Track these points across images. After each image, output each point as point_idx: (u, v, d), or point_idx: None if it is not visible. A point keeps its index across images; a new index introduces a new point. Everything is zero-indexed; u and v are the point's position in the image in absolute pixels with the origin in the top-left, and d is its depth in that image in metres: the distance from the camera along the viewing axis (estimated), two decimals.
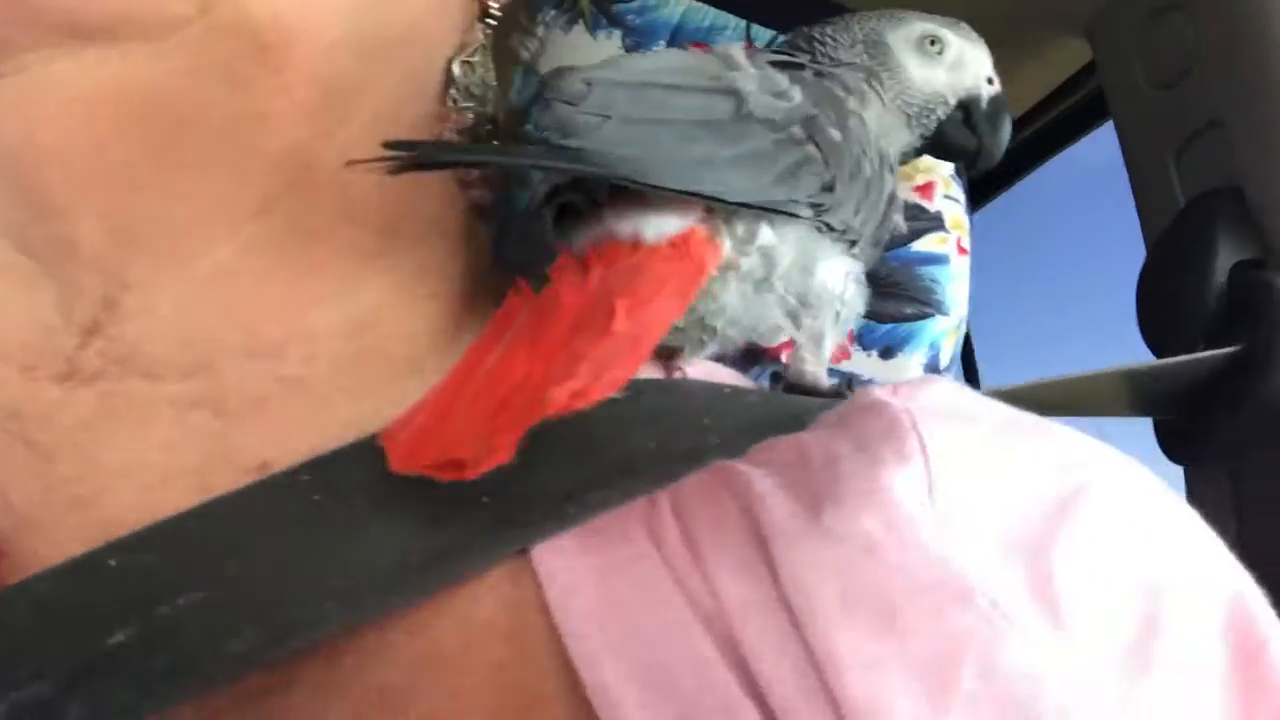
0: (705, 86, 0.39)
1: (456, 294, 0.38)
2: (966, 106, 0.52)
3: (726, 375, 0.44)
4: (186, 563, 0.30)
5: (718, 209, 0.39)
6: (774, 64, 0.44)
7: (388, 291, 0.37)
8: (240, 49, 0.28)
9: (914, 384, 0.34)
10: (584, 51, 0.66)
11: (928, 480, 0.29)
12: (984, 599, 0.26)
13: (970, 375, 1.66)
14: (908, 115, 0.50)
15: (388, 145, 0.28)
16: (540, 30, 0.67)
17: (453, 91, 0.38)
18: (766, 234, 0.39)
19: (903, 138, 0.51)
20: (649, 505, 0.32)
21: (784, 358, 0.62)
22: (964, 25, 0.53)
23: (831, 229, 0.41)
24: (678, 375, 0.42)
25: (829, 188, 0.40)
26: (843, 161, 0.41)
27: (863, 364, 0.62)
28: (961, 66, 0.52)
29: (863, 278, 0.46)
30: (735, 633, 0.27)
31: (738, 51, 0.42)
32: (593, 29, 0.67)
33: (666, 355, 0.44)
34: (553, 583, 0.30)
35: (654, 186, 0.34)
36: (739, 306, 0.41)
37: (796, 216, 0.39)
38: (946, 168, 0.65)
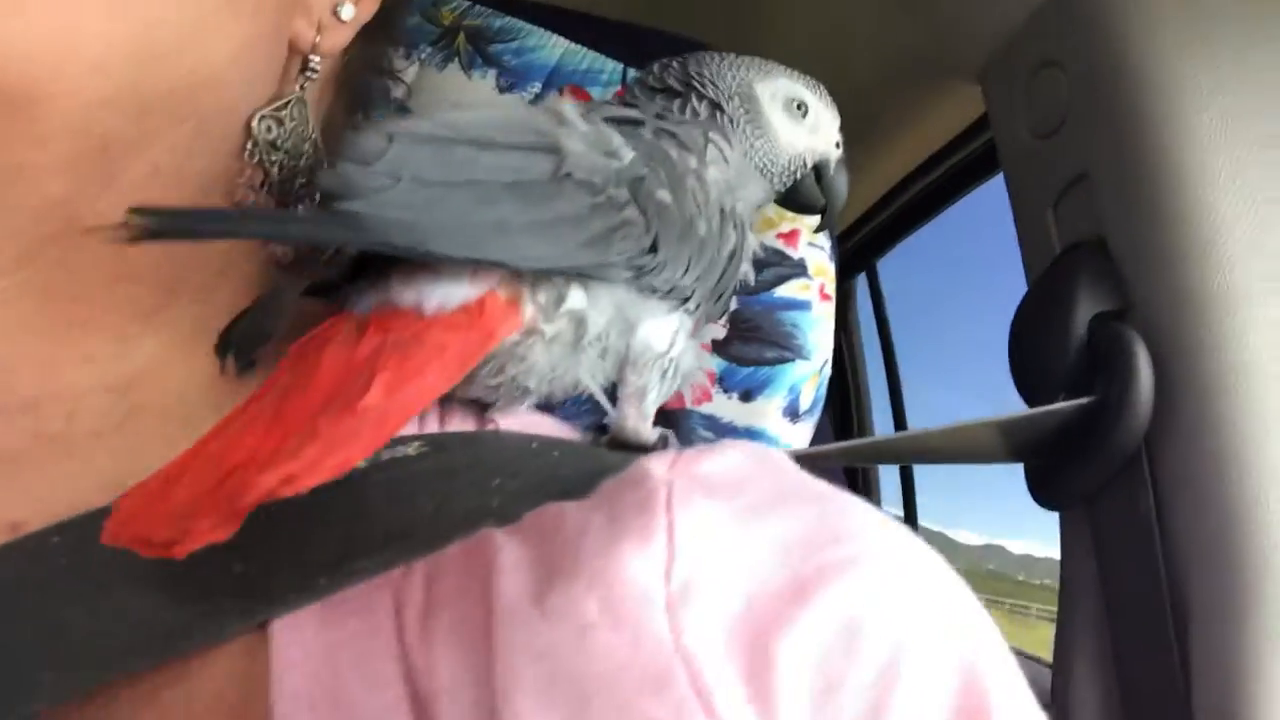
0: (526, 144, 0.38)
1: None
2: (818, 168, 0.54)
3: (547, 426, 0.44)
4: None
5: (523, 273, 0.39)
6: (612, 119, 0.45)
7: (165, 348, 0.36)
8: None
9: (702, 451, 0.34)
10: (458, 91, 0.67)
11: (667, 559, 0.29)
12: (685, 686, 0.26)
13: (898, 409, 1.68)
14: (770, 174, 0.52)
15: (133, 211, 0.27)
16: (413, 70, 0.67)
17: (250, 146, 0.38)
18: (576, 298, 0.39)
19: (757, 193, 0.52)
20: (405, 574, 0.32)
21: (686, 401, 0.63)
22: (822, 89, 0.55)
23: (655, 290, 0.41)
24: (490, 428, 0.42)
25: (652, 249, 0.40)
26: (671, 223, 0.41)
27: (724, 406, 0.62)
28: (819, 130, 0.54)
29: (690, 331, 0.47)
30: (437, 715, 0.27)
31: (569, 108, 0.42)
32: (467, 68, 0.67)
33: (483, 406, 0.44)
34: (279, 658, 0.29)
35: (428, 254, 0.33)
36: (548, 368, 0.41)
37: (610, 280, 0.40)
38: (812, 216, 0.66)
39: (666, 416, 0.62)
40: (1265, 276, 0.60)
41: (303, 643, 0.30)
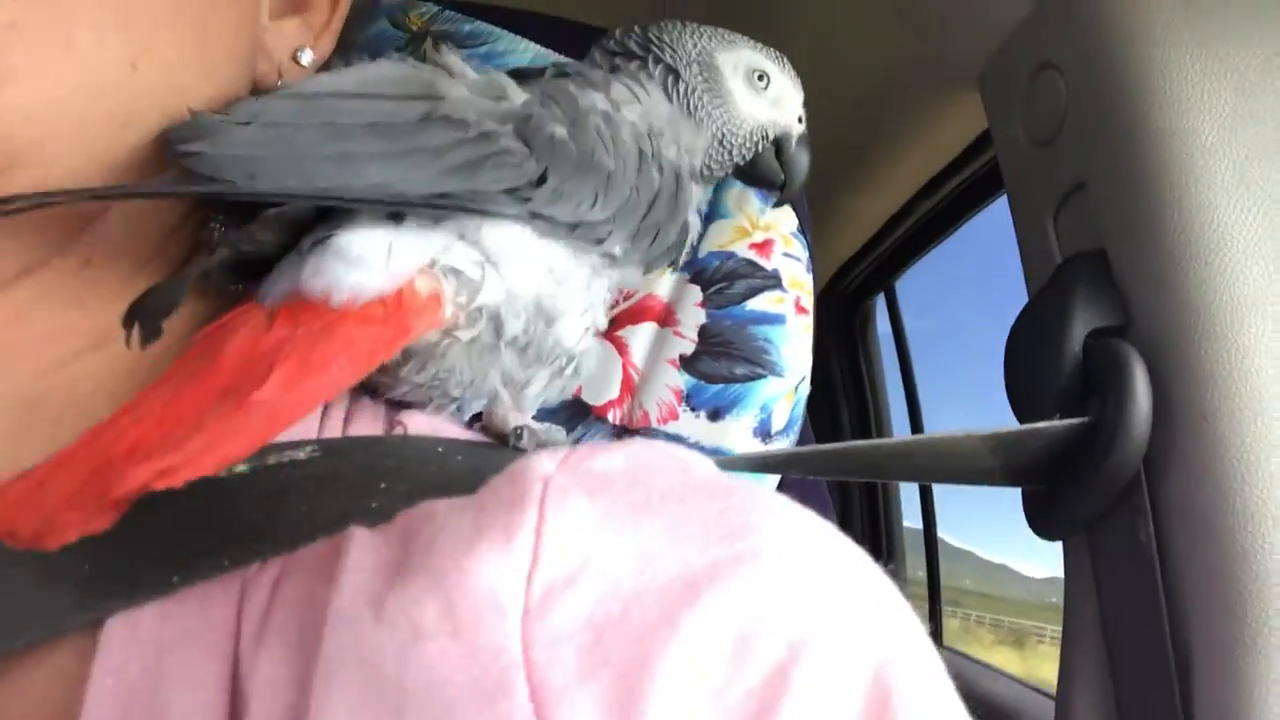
0: (403, 94, 0.38)
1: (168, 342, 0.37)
2: (779, 141, 0.53)
3: (457, 431, 0.42)
4: None
5: (437, 266, 0.37)
6: (513, 70, 0.45)
7: (77, 351, 0.36)
8: None
9: (600, 447, 0.32)
10: None
11: (530, 563, 0.27)
12: (523, 699, 0.24)
13: (915, 420, 1.64)
14: (729, 144, 0.51)
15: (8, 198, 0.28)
16: None
17: None
18: (492, 290, 0.38)
19: (700, 140, 0.50)
20: (257, 572, 0.31)
21: (610, 416, 0.60)
22: (785, 61, 0.53)
23: (554, 222, 0.39)
24: (398, 430, 0.40)
25: (539, 180, 0.38)
26: (566, 155, 0.39)
27: (690, 425, 0.59)
28: (781, 103, 0.52)
29: (601, 328, 0.45)
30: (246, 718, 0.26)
31: (461, 63, 0.42)
32: None
33: (399, 405, 0.42)
34: (102, 659, 0.29)
35: (254, 193, 0.32)
36: (467, 371, 0.39)
37: (501, 213, 0.38)
38: (788, 225, 0.63)
39: (631, 436, 0.59)
40: (1270, 291, 0.56)
41: (134, 641, 0.29)
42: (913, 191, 1.27)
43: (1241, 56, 0.60)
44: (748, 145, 0.52)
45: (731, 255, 0.62)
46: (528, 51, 0.66)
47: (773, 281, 0.61)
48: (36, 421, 0.34)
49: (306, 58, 0.43)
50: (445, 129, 0.36)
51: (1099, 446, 0.58)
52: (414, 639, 0.25)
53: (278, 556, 0.31)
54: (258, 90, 0.41)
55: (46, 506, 0.26)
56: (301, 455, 0.36)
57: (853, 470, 0.61)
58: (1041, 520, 0.66)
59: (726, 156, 0.52)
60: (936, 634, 1.57)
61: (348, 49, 0.49)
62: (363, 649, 0.25)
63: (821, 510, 0.68)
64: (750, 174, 0.55)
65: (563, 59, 0.67)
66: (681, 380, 0.60)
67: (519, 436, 0.40)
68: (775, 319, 0.60)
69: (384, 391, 0.42)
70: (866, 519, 1.67)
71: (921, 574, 1.60)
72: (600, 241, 0.42)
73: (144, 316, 0.30)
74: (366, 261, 0.34)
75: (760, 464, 0.58)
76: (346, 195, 0.33)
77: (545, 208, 0.38)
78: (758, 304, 0.60)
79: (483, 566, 0.26)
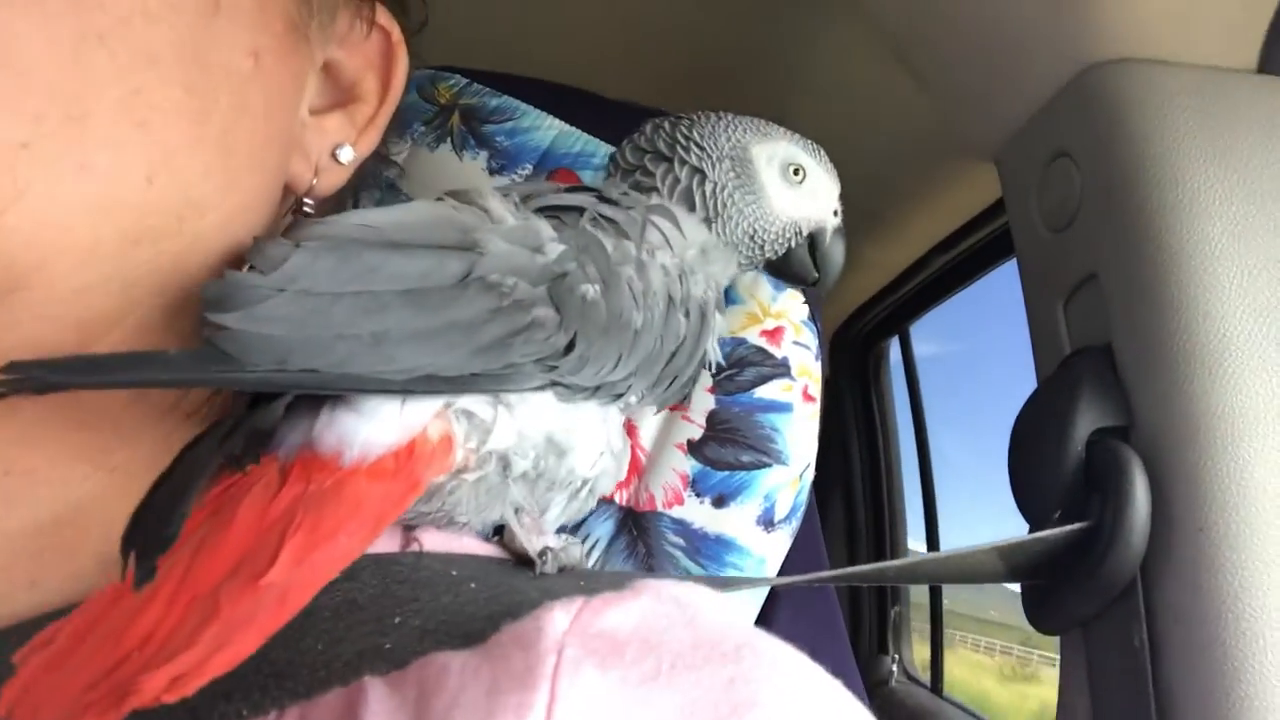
0: (442, 243, 0.37)
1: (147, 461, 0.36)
2: (813, 236, 0.53)
3: (473, 546, 0.43)
4: None
5: (451, 409, 0.37)
6: (550, 208, 0.44)
7: (106, 489, 0.35)
8: None
9: (610, 601, 0.33)
10: (449, 172, 0.66)
11: None
12: None
13: (926, 474, 1.64)
14: (761, 240, 0.50)
15: (4, 369, 0.26)
16: (406, 149, 0.67)
17: None
18: (503, 434, 0.38)
19: (731, 266, 0.51)
20: (276, 718, 0.31)
21: (618, 498, 0.61)
22: (822, 153, 0.53)
23: (575, 388, 0.40)
24: (414, 548, 0.41)
25: (569, 347, 0.38)
26: (595, 318, 0.40)
27: (695, 511, 0.60)
28: (817, 196, 0.52)
29: (622, 445, 0.45)
30: None
31: (500, 202, 0.41)
32: (459, 149, 0.67)
33: (408, 525, 0.43)
34: None
35: (287, 381, 0.30)
36: (473, 504, 0.40)
37: (524, 388, 0.38)
38: (799, 313, 0.64)
39: (637, 519, 0.60)
40: (1272, 405, 0.56)
41: None
42: (929, 245, 1.28)
43: (1254, 168, 0.61)
44: (780, 241, 0.52)
45: (743, 342, 0.63)
46: (552, 129, 0.68)
47: (782, 370, 0.62)
48: (53, 545, 0.34)
49: (346, 155, 0.40)
50: (480, 295, 0.35)
51: (1097, 550, 0.59)
52: None
53: (294, 705, 0.31)
54: (288, 190, 0.39)
55: (64, 704, 0.26)
56: None
57: (864, 581, 0.62)
58: (1039, 615, 0.67)
59: (758, 252, 0.52)
60: (937, 663, 1.57)
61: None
62: None
63: (826, 605, 0.69)
64: (782, 269, 0.54)
65: (576, 134, 0.68)
66: (688, 465, 0.61)
67: (544, 561, 0.41)
68: (783, 407, 0.61)
69: None
70: (873, 545, 1.67)
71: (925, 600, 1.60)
72: (619, 396, 0.42)
73: (141, 548, 0.27)
74: (380, 415, 0.34)
75: (773, 583, 0.58)
76: (377, 385, 0.32)
77: (569, 377, 0.38)
78: (766, 391, 0.62)
79: None
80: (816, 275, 0.54)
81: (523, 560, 0.42)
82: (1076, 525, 0.60)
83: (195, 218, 0.32)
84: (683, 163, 0.50)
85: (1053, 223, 0.75)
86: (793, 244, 0.53)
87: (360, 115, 0.41)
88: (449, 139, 0.67)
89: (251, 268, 0.33)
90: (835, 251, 0.54)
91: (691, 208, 0.50)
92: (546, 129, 0.68)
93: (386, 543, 0.41)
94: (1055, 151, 0.74)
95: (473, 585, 0.38)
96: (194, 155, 0.32)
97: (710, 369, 0.47)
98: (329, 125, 0.40)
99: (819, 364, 0.64)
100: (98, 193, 0.29)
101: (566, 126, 0.68)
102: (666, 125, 0.52)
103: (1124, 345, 0.65)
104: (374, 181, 0.59)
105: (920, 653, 1.62)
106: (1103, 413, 0.63)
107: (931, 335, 1.61)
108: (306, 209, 0.40)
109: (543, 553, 0.41)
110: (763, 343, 0.63)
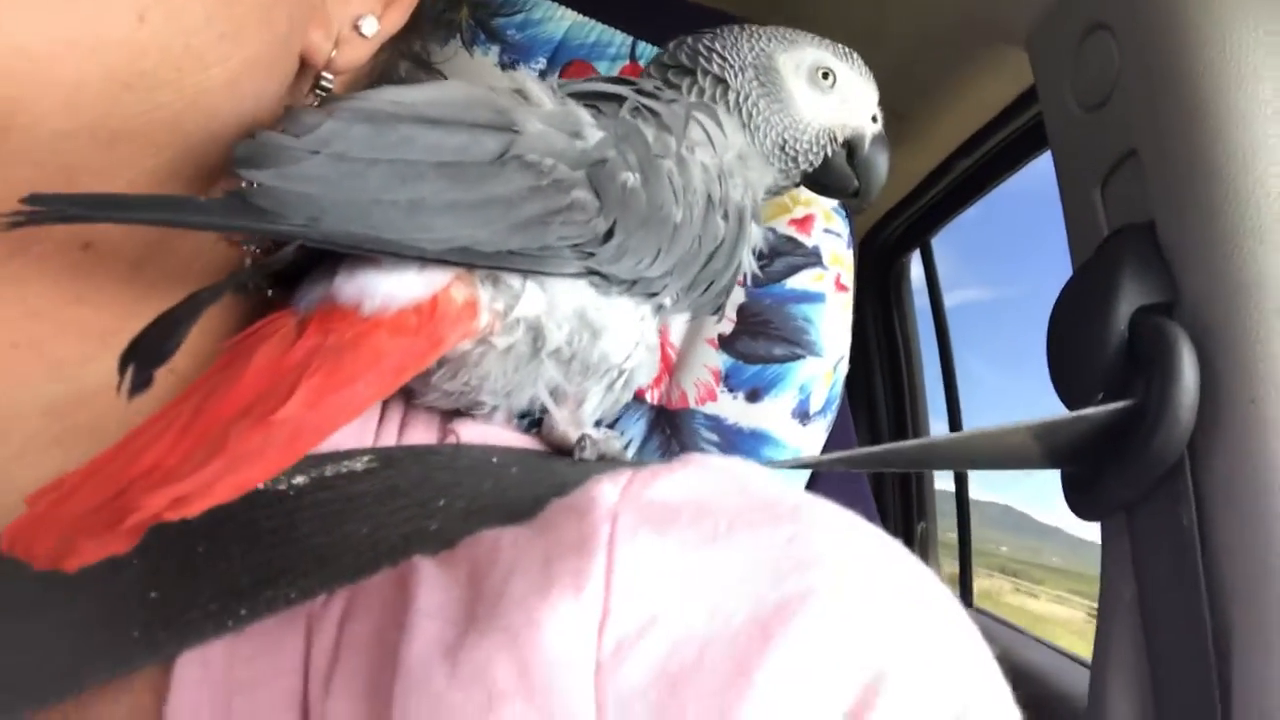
0: (477, 121, 0.35)
1: (198, 369, 0.35)
2: (850, 144, 0.50)
3: (510, 439, 0.42)
4: None
5: (476, 271, 0.36)
6: (588, 94, 0.42)
7: (107, 372, 0.35)
8: None
9: (658, 472, 0.32)
10: (459, 68, 0.64)
11: (602, 610, 0.27)
12: None
13: (950, 387, 1.62)
14: (793, 151, 0.48)
15: (25, 200, 0.25)
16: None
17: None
18: (531, 303, 0.37)
19: (765, 178, 0.49)
20: (324, 604, 0.31)
21: (649, 397, 0.60)
22: (855, 57, 0.50)
23: (612, 279, 0.38)
24: (450, 439, 0.40)
25: (608, 236, 0.37)
26: (635, 208, 0.38)
27: (729, 406, 0.59)
28: (850, 102, 0.50)
29: (655, 341, 0.44)
30: None
31: (537, 85, 0.40)
32: (469, 44, 0.64)
33: (450, 414, 0.42)
34: (174, 703, 0.28)
35: (321, 236, 0.29)
36: (503, 379, 0.39)
37: (561, 272, 0.37)
38: (828, 199, 0.61)
39: (670, 417, 0.59)
40: None
41: (206, 682, 0.29)
42: (952, 148, 1.24)
43: None
44: (814, 150, 0.49)
45: (771, 231, 0.61)
46: (565, 19, 0.65)
47: (813, 259, 0.60)
48: (71, 429, 0.33)
49: (370, 27, 0.38)
50: (519, 173, 0.34)
51: (1143, 430, 0.58)
52: (489, 703, 0.25)
53: (342, 587, 0.31)
54: (305, 64, 0.37)
55: (63, 529, 0.26)
56: (359, 466, 0.36)
57: (899, 465, 0.61)
58: (1080, 501, 0.66)
59: (792, 165, 0.49)
60: (966, 595, 1.57)
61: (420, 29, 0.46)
62: (439, 710, 0.25)
63: (865, 507, 0.68)
64: (821, 182, 0.51)
65: (590, 24, 0.65)
66: (720, 360, 0.59)
67: (582, 448, 0.40)
68: (815, 297, 0.60)
69: (414, 398, 0.41)
70: (898, 480, 1.66)
71: (953, 535, 1.60)
72: (653, 295, 0.41)
73: (138, 361, 0.27)
74: (402, 268, 0.33)
75: (810, 465, 0.57)
76: (413, 250, 0.31)
77: (607, 266, 0.37)
78: (797, 282, 0.60)
79: (554, 621, 0.26)
80: (857, 185, 0.51)
81: (561, 450, 0.41)
82: (1120, 404, 0.58)
83: (197, 69, 0.29)
84: (705, 73, 0.48)
85: (1088, 101, 0.72)
86: (829, 153, 0.50)
87: None
88: (458, 34, 0.64)
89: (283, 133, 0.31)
90: (876, 160, 0.51)
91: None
92: (559, 20, 0.65)
93: (423, 434, 0.40)
94: (1090, 25, 0.71)
95: (514, 470, 0.37)
96: None
97: (745, 280, 0.45)
98: None
99: (850, 251, 0.62)
100: (82, 25, 0.26)
101: (579, 16, 0.65)
102: (689, 40, 0.50)
103: (1167, 221, 0.62)
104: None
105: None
106: (1146, 290, 0.61)
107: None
108: (325, 84, 0.38)
109: (581, 440, 0.40)
110: (792, 231, 0.61)
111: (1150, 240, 0.63)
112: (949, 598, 0.30)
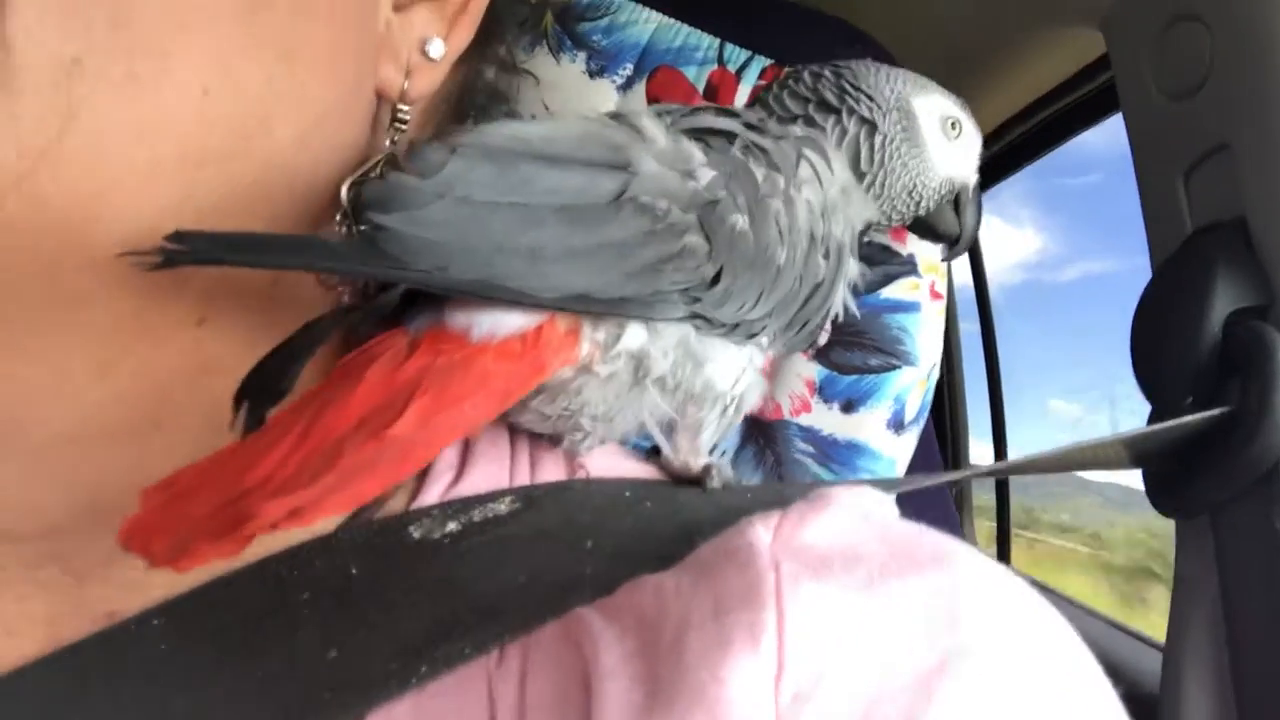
0: (595, 160, 0.35)
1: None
2: (957, 193, 0.50)
3: (631, 467, 0.43)
4: (23, 713, 0.30)
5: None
6: (700, 130, 0.42)
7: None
8: (41, 240, 0.26)
9: (804, 515, 0.32)
10: (550, 78, 0.63)
11: (777, 666, 0.27)
12: None
13: (992, 367, 1.62)
14: (919, 195, 0.49)
15: (168, 237, 0.25)
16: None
17: (341, 216, 0.35)
18: (635, 336, 0.37)
19: (868, 211, 0.49)
20: (498, 661, 0.32)
21: (784, 412, 0.60)
22: (967, 109, 0.52)
23: (714, 324, 0.39)
24: (581, 475, 0.41)
25: (715, 280, 0.37)
26: (743, 251, 0.39)
27: (823, 417, 0.59)
28: (969, 154, 0.51)
29: (762, 362, 0.44)
30: None
31: (652, 121, 0.39)
32: (556, 51, 0.64)
33: (555, 442, 0.42)
34: None
35: (447, 283, 0.30)
36: (603, 407, 0.39)
37: (667, 317, 0.37)
38: None
39: (763, 428, 0.60)
40: None
41: None
42: (1000, 121, 1.23)
43: None
44: (935, 198, 0.50)
45: (868, 240, 0.61)
46: (650, 22, 0.64)
47: (909, 267, 0.60)
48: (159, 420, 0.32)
49: (436, 49, 0.37)
50: (634, 217, 0.34)
51: (1240, 436, 0.58)
52: None
53: (515, 641, 0.31)
54: (384, 98, 0.36)
55: (180, 530, 0.26)
56: (503, 508, 0.36)
57: (1000, 474, 0.61)
58: (1164, 498, 0.66)
59: (914, 208, 0.50)
60: (1004, 544, 1.59)
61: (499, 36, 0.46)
62: None
63: (945, 507, 0.69)
64: (926, 226, 0.52)
65: (676, 26, 0.64)
66: (813, 371, 0.60)
67: (711, 478, 0.41)
68: (910, 306, 0.60)
69: (515, 422, 0.41)
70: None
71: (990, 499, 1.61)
72: (752, 336, 0.41)
73: (253, 398, 0.28)
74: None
75: (919, 482, 0.58)
76: (531, 300, 0.32)
77: (711, 311, 0.38)
78: (892, 291, 0.60)
79: (738, 677, 0.26)
80: (959, 232, 0.53)
81: (682, 479, 0.42)
82: (1214, 411, 0.59)
83: (262, 134, 0.29)
84: (852, 113, 0.48)
85: (1172, 90, 0.71)
86: (945, 201, 0.51)
87: (450, 5, 0.38)
88: (544, 41, 0.64)
89: (397, 170, 0.32)
90: (974, 211, 0.53)
91: (856, 159, 0.48)
92: (645, 23, 0.64)
93: (553, 470, 0.41)
94: (1175, 14, 0.70)
95: (649, 504, 0.38)
96: (251, 62, 0.29)
97: (840, 318, 0.46)
98: (415, 19, 0.37)
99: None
100: (151, 107, 0.26)
101: (665, 19, 0.64)
102: (829, 73, 0.50)
103: (1262, 219, 0.62)
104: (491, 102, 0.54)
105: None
106: (1240, 292, 0.61)
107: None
108: (401, 118, 0.37)
109: (708, 469, 0.41)
110: (887, 240, 0.61)
111: (1243, 239, 0.62)
112: (1084, 649, 0.31)
